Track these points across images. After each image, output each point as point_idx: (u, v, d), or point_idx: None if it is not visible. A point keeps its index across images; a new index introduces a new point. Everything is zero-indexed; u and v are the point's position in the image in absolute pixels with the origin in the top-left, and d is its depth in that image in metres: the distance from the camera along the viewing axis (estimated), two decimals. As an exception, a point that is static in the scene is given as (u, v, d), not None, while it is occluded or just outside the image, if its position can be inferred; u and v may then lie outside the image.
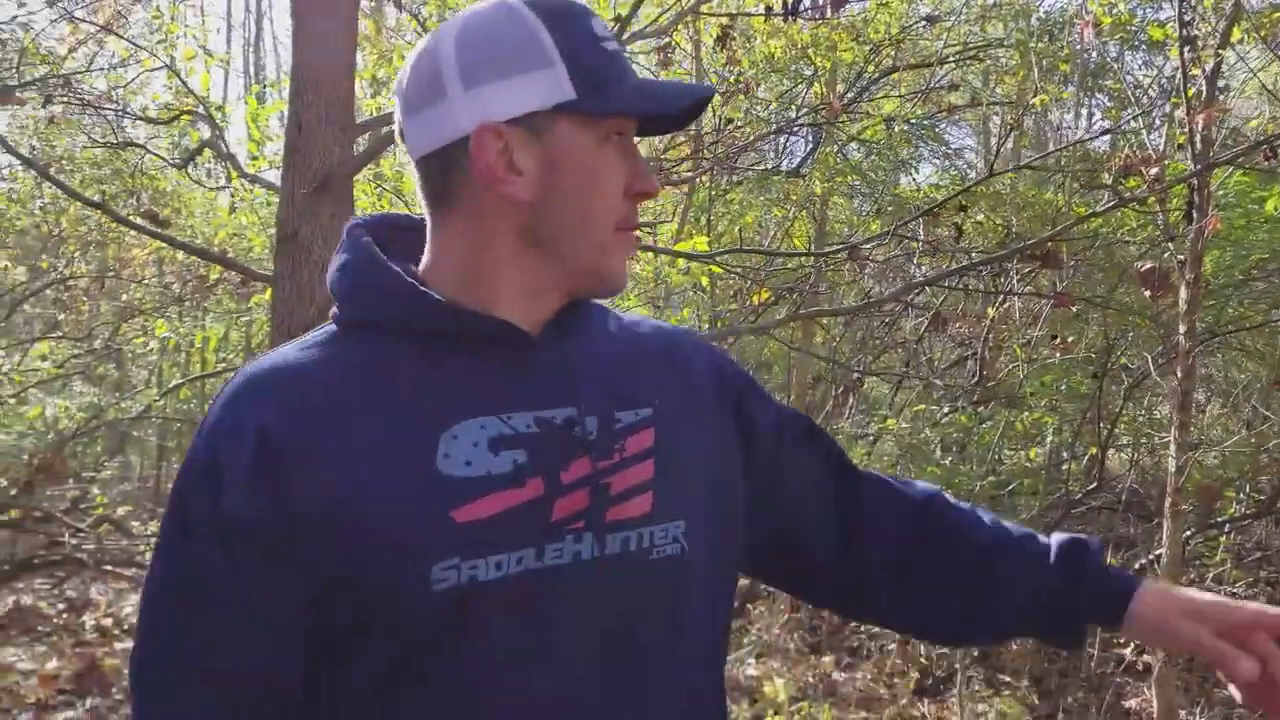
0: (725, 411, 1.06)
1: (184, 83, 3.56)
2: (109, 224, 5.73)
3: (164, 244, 5.60)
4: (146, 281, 7.37)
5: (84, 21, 4.18)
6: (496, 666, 0.86)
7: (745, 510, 1.05)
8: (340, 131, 2.96)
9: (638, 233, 0.98)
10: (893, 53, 6.98)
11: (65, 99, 4.09)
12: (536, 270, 0.93)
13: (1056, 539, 1.08)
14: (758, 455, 1.07)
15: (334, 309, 0.94)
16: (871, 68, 6.94)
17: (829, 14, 4.81)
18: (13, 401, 5.28)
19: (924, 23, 7.46)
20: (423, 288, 0.90)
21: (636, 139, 0.96)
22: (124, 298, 8.00)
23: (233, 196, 4.25)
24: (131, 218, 6.20)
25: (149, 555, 6.48)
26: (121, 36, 3.97)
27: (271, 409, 0.85)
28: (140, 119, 4.16)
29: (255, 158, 4.22)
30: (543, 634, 0.87)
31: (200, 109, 3.63)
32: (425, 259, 0.96)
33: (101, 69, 4.46)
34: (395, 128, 0.97)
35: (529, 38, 0.89)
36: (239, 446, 0.84)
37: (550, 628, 0.87)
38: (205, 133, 4.13)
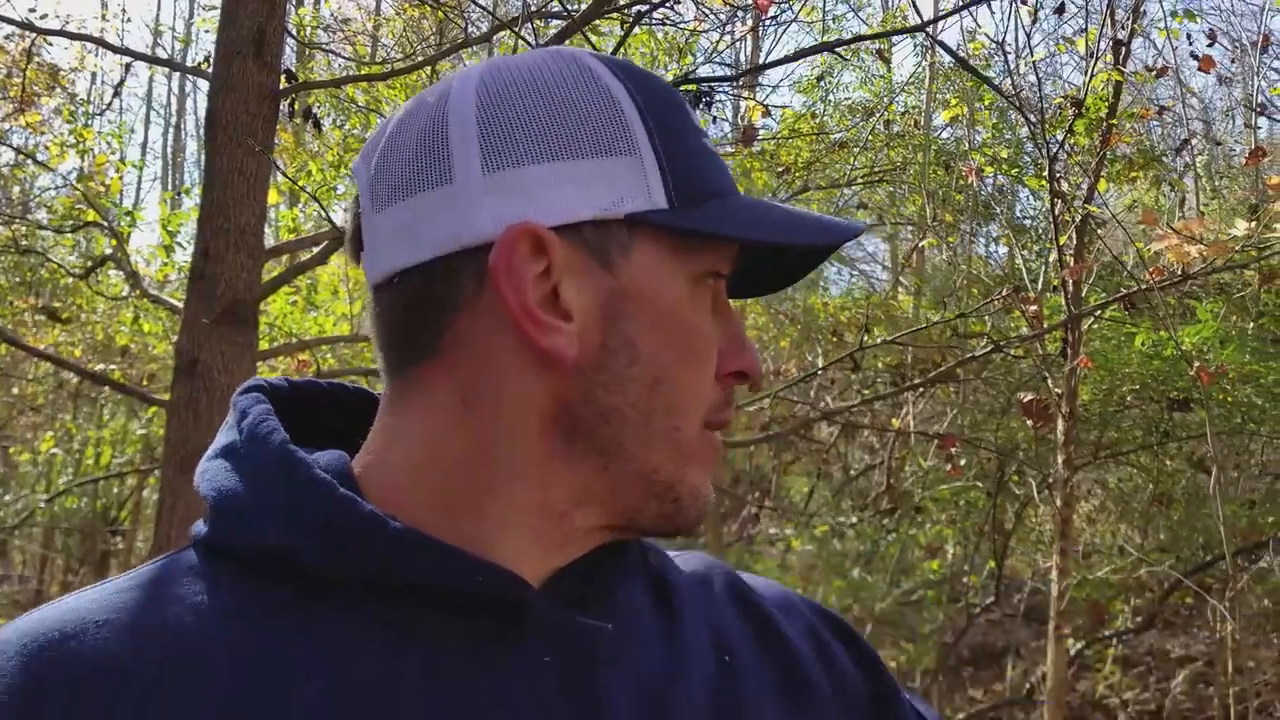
0: (845, 697, 0.65)
1: (88, 200, 3.55)
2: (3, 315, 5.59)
3: (60, 343, 5.46)
4: (40, 377, 7.13)
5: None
6: None
7: None
8: (249, 258, 2.99)
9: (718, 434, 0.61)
10: (804, 175, 7.36)
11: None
12: (568, 485, 0.56)
13: None
14: None
15: (197, 526, 0.55)
16: (785, 189, 7.29)
17: (744, 146, 5.09)
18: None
19: (832, 145, 7.91)
20: (365, 505, 0.51)
21: None
22: (15, 391, 7.72)
23: (136, 307, 4.20)
24: (30, 314, 6.05)
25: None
26: (24, 154, 3.94)
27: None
28: (42, 228, 4.11)
29: (165, 264, 4.20)
30: None
31: (104, 221, 3.61)
32: (367, 452, 0.57)
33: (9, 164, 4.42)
34: (346, 231, 0.61)
35: (607, 108, 0.55)
36: None
37: None
38: (111, 240, 4.10)
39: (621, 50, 2.72)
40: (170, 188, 10.65)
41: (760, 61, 8.23)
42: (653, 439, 0.55)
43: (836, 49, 3.08)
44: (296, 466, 0.52)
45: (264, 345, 3.53)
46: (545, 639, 0.53)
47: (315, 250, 3.15)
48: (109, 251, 3.64)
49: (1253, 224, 3.28)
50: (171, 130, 12.96)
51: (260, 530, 0.52)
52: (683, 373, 0.56)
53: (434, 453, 0.55)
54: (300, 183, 4.29)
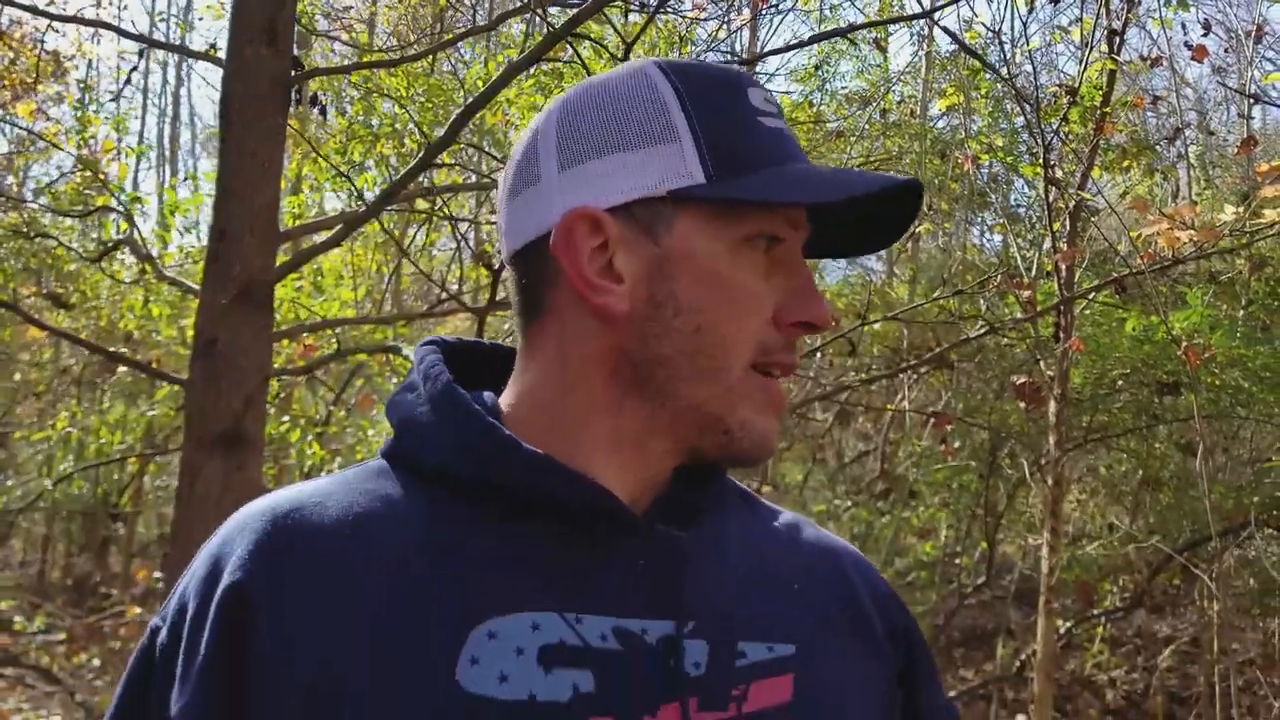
0: (885, 662, 0.77)
1: (104, 183, 3.60)
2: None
3: (63, 328, 5.51)
4: (42, 363, 7.17)
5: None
6: None
7: None
8: (263, 241, 3.05)
9: (787, 378, 0.72)
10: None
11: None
12: (636, 419, 0.68)
13: None
14: None
15: (386, 442, 0.73)
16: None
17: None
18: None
19: (829, 135, 7.98)
20: (505, 431, 0.66)
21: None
22: (17, 377, 7.76)
23: (146, 291, 4.25)
24: (34, 299, 6.10)
25: (33, 654, 6.17)
26: (41, 136, 4.00)
27: (258, 565, 0.63)
28: (56, 212, 4.15)
29: (167, 250, 4.25)
30: None
31: (119, 206, 3.67)
32: (507, 394, 0.72)
33: (8, 152, 4.46)
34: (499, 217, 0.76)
35: (652, 106, 0.67)
36: (204, 614, 0.63)
37: None
38: (120, 224, 4.15)
39: (640, 42, 2.80)
40: (167, 177, 10.69)
41: (758, 50, 8.29)
42: (699, 378, 0.67)
43: (838, 37, 3.16)
44: (458, 401, 0.68)
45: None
46: (640, 547, 0.66)
47: (329, 234, 3.22)
48: (118, 236, 3.69)
49: (1241, 209, 3.37)
50: (167, 121, 12.97)
51: (428, 447, 0.68)
52: (723, 321, 0.67)
53: (542, 395, 0.70)
54: (316, 165, 4.35)
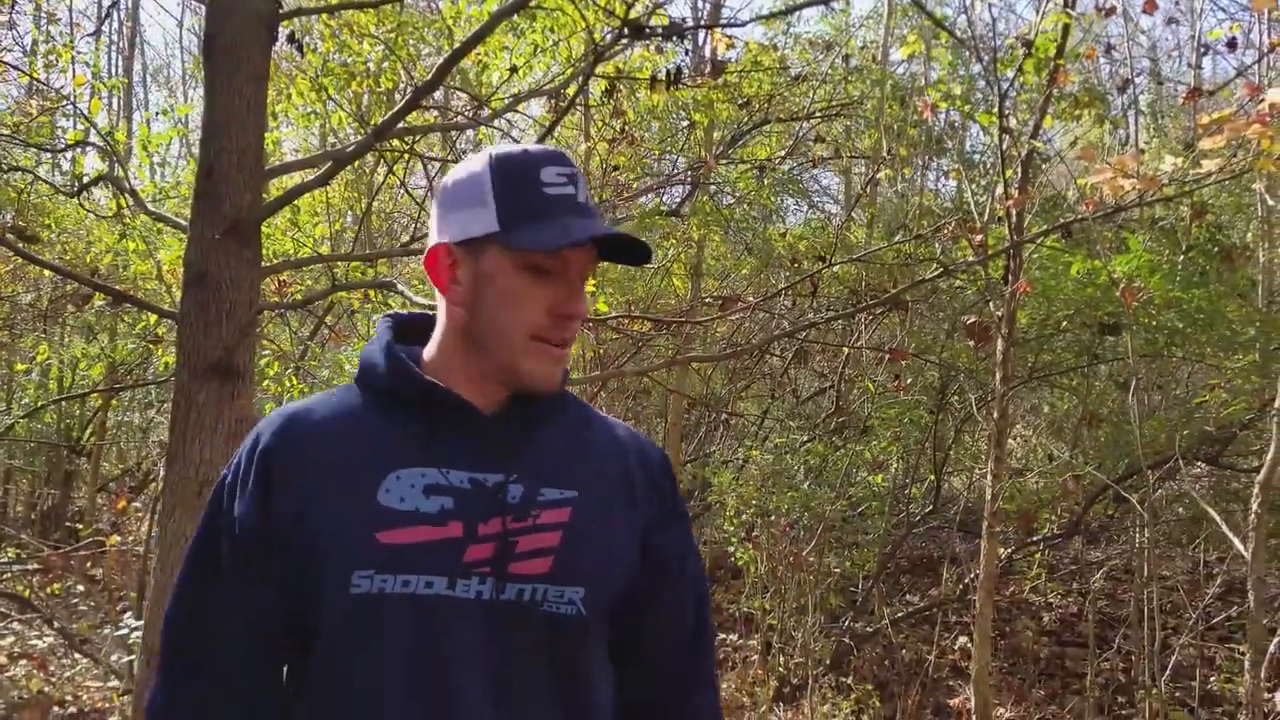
0: (642, 508, 1.22)
1: (87, 118, 3.61)
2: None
3: (33, 262, 5.50)
4: (6, 298, 7.12)
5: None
6: (396, 668, 1.07)
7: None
8: (250, 178, 3.13)
9: (561, 348, 1.17)
10: (765, 107, 7.55)
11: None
12: (477, 363, 1.16)
13: None
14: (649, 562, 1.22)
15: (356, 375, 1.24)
16: (746, 118, 7.47)
17: (710, 78, 5.27)
18: None
19: (792, 80, 8.08)
20: (411, 366, 1.16)
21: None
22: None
23: (123, 224, 4.27)
24: (-1, 232, 6.04)
25: (6, 584, 6.26)
26: (13, 67, 3.97)
27: (277, 439, 1.14)
28: (35, 146, 4.14)
29: (140, 184, 4.27)
30: (436, 649, 1.08)
31: (92, 137, 3.69)
32: (428, 346, 1.22)
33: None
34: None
35: (479, 181, 1.14)
36: (250, 465, 1.14)
37: (443, 644, 1.08)
38: (94, 160, 4.17)
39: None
40: (120, 109, 10.46)
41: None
42: (500, 344, 1.14)
43: (802, 8, 3.28)
44: (389, 350, 1.19)
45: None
46: (485, 431, 1.16)
47: (314, 173, 3.31)
48: (91, 171, 3.71)
49: (1182, 161, 3.58)
50: (121, 59, 12.60)
51: (374, 375, 1.19)
52: (509, 312, 1.14)
53: (435, 348, 1.21)
54: (289, 103, 4.38)
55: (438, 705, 1.08)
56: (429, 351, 1.21)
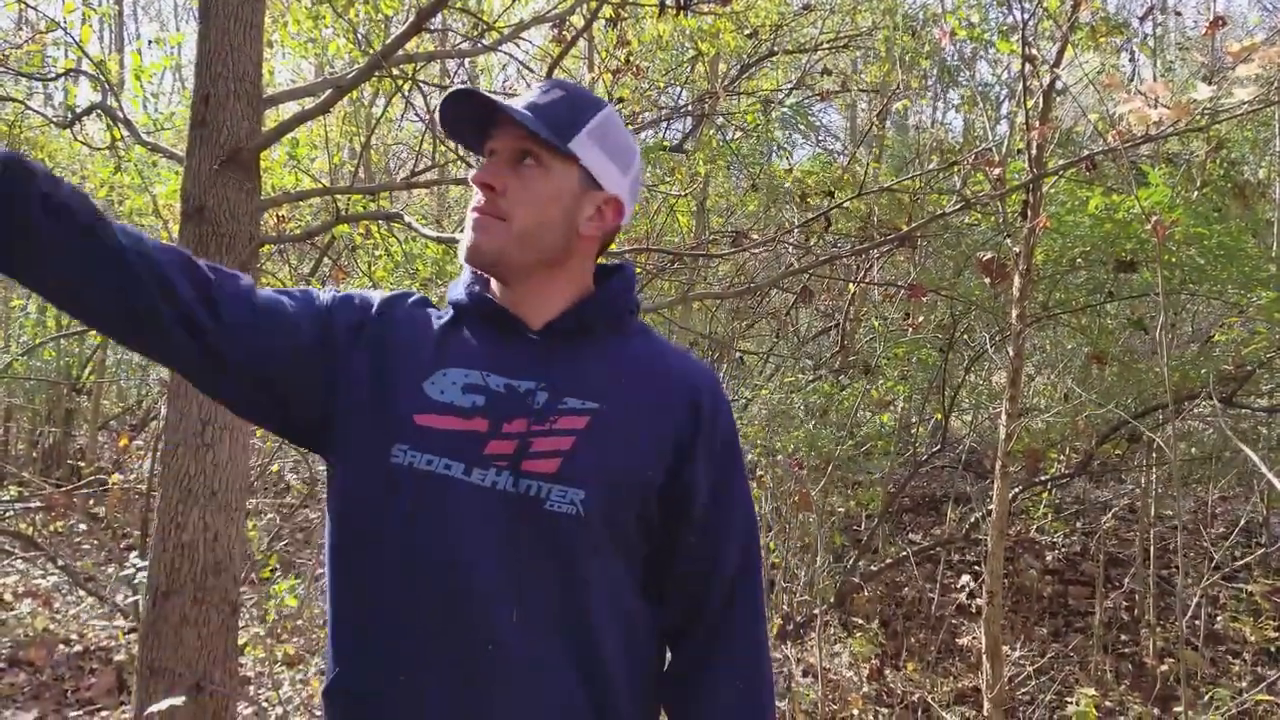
0: (674, 425, 1.28)
1: (79, 45, 3.45)
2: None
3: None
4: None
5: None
6: (419, 534, 1.20)
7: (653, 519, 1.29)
8: (249, 106, 3.01)
9: (477, 214, 1.29)
10: (771, 38, 7.33)
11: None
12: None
13: None
14: (673, 498, 1.28)
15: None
16: (752, 50, 7.26)
17: (718, 4, 5.08)
18: None
19: (801, 10, 7.85)
20: (479, 287, 1.32)
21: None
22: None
23: (118, 157, 4.13)
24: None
25: (9, 522, 6.23)
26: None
27: (399, 307, 1.34)
28: (25, 75, 3.98)
29: (138, 116, 4.13)
30: (449, 524, 1.20)
31: (84, 65, 3.54)
32: None
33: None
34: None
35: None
36: (380, 303, 1.34)
37: (457, 521, 1.20)
38: (88, 92, 4.02)
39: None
40: (110, 39, 10.17)
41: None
42: None
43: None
44: (469, 281, 1.34)
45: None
46: (540, 342, 1.29)
47: (313, 101, 3.18)
48: (80, 102, 3.57)
49: (1214, 88, 3.45)
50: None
51: (454, 292, 1.35)
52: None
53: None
54: (284, 30, 4.21)
55: (453, 570, 1.19)
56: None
